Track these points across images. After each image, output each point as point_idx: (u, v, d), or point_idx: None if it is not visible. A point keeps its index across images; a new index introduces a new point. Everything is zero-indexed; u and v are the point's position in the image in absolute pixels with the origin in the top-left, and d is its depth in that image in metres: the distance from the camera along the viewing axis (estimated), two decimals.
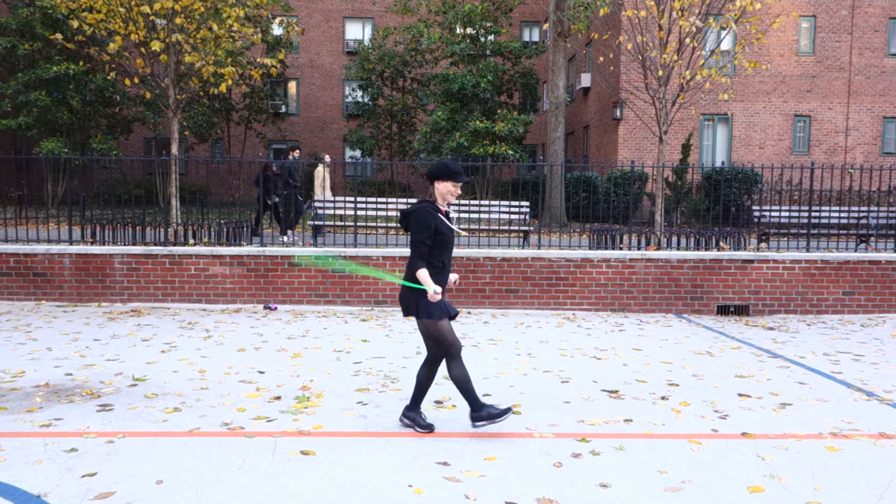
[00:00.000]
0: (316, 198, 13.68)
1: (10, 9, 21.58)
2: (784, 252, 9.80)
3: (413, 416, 4.61)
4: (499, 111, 20.73)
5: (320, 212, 11.12)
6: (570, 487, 3.72)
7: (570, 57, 25.87)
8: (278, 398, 5.28)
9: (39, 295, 9.41)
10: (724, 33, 17.27)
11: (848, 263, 9.68)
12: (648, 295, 9.61)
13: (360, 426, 4.67)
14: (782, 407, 5.27)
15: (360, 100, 27.20)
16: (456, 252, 9.41)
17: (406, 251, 9.46)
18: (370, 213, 11.05)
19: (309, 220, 13.17)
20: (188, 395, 5.33)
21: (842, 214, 11.14)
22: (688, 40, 10.74)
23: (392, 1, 28.13)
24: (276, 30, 25.85)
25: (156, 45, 10.18)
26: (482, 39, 21.06)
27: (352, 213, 10.98)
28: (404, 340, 7.49)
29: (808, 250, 9.98)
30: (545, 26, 16.52)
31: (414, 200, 10.86)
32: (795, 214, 10.98)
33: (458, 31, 21.00)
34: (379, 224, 13.48)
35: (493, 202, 11.24)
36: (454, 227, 4.50)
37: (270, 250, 9.45)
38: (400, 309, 9.40)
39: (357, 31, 29.63)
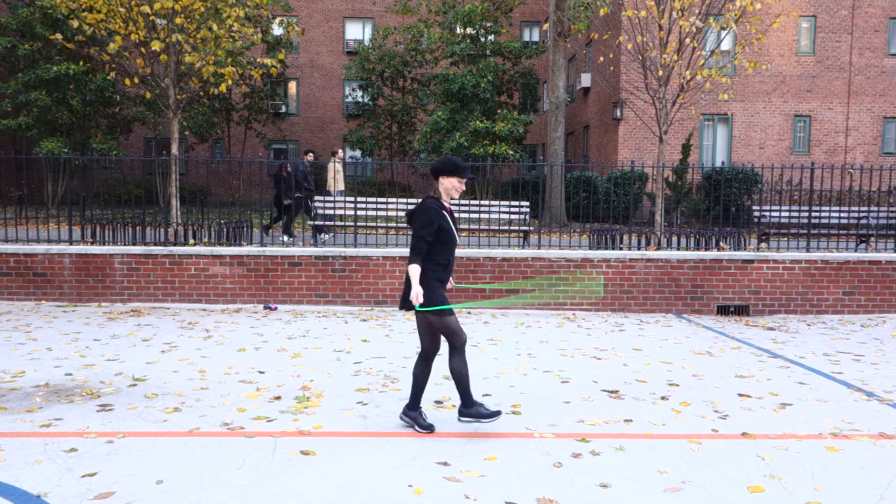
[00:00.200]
0: (328, 191, 13.78)
1: (10, 9, 21.59)
2: (784, 252, 9.80)
3: (414, 415, 4.60)
4: (499, 111, 20.73)
5: (324, 211, 11.12)
6: (570, 487, 3.72)
7: (570, 57, 25.87)
8: (278, 398, 5.28)
9: (39, 295, 9.41)
10: (724, 33, 17.27)
11: (848, 263, 9.68)
12: (648, 295, 9.61)
13: (360, 426, 4.67)
14: (782, 407, 5.27)
15: (360, 100, 27.20)
16: (456, 252, 9.42)
17: (406, 251, 9.46)
18: (370, 213, 11.05)
19: (309, 221, 13.19)
20: (188, 395, 5.33)
21: (842, 214, 11.14)
22: (688, 40, 10.74)
23: (392, 1, 28.15)
24: (276, 30, 25.87)
25: (156, 45, 10.18)
26: (482, 39, 21.06)
27: (352, 213, 10.98)
28: (404, 340, 7.49)
29: (808, 250, 9.98)
30: (545, 26, 16.52)
31: (414, 200, 10.86)
32: (795, 214, 10.98)
33: (458, 31, 21.00)
34: (379, 224, 13.49)
35: (493, 202, 11.24)
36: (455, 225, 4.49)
37: (270, 250, 9.45)
38: (399, 309, 9.40)
39: (357, 31, 29.63)
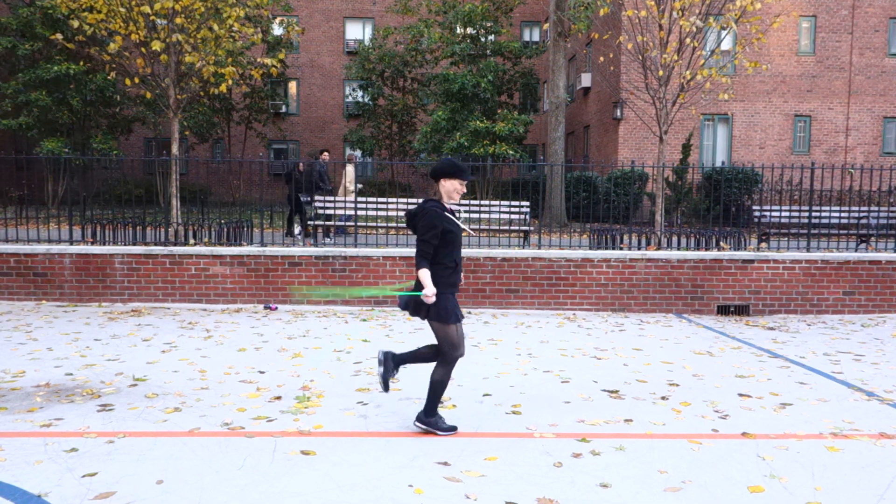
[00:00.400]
0: (340, 196, 13.82)
1: (11, 9, 21.59)
2: (784, 252, 9.80)
3: (433, 421, 4.51)
4: (499, 111, 20.72)
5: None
6: (571, 487, 3.72)
7: (571, 57, 25.87)
8: (279, 398, 5.28)
9: (40, 295, 9.41)
10: (724, 33, 17.28)
11: (848, 263, 9.68)
12: (649, 295, 9.61)
13: (360, 426, 4.67)
14: (783, 407, 5.27)
15: (360, 100, 27.20)
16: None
17: (406, 251, 9.47)
18: (370, 213, 11.05)
19: (309, 221, 13.21)
20: (188, 394, 5.33)
21: (842, 214, 11.14)
22: (688, 40, 10.74)
23: (392, 1, 28.14)
24: (277, 30, 25.87)
25: (156, 45, 10.18)
26: (482, 39, 21.06)
27: (352, 212, 10.98)
28: (405, 340, 7.49)
29: (808, 250, 9.98)
30: (545, 26, 16.52)
31: (414, 200, 10.86)
32: (796, 214, 10.98)
33: (459, 31, 21.00)
34: (379, 224, 13.49)
35: (493, 202, 11.24)
36: (462, 225, 4.47)
37: (271, 250, 9.45)
38: (399, 309, 9.40)
39: (357, 31, 29.63)
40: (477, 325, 8.51)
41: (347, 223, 11.06)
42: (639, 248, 10.01)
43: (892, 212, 11.04)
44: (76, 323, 8.10)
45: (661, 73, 10.79)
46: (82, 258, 9.38)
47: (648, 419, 4.92)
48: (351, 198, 14.67)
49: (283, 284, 9.44)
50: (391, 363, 4.60)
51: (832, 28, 20.78)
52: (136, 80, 11.22)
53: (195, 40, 10.78)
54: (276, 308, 9.34)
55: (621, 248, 10.04)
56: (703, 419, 4.94)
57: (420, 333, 7.85)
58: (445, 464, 4.02)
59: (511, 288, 9.55)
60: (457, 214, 4.53)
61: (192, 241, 10.00)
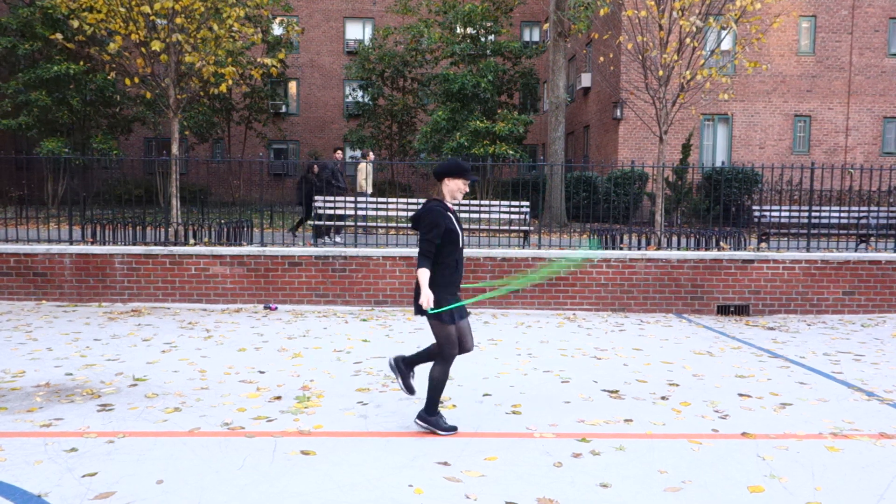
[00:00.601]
0: (359, 190, 13.86)
1: (11, 9, 21.59)
2: (784, 252, 9.80)
3: (434, 420, 4.52)
4: (499, 111, 20.72)
5: (325, 212, 11.12)
6: (571, 487, 3.72)
7: (570, 57, 25.87)
8: (279, 398, 5.28)
9: (40, 295, 9.41)
10: (724, 33, 17.27)
11: (848, 263, 9.68)
12: (649, 295, 9.61)
13: (360, 426, 4.67)
14: (782, 407, 5.27)
15: (360, 100, 27.21)
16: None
17: (407, 251, 9.47)
18: (370, 213, 11.05)
19: (310, 221, 13.21)
20: (188, 394, 5.33)
21: (842, 214, 11.14)
22: (688, 40, 10.74)
23: (392, 1, 28.14)
24: (277, 30, 25.86)
25: (156, 45, 10.18)
26: (482, 39, 21.06)
27: (352, 212, 10.97)
28: (405, 340, 7.49)
29: (808, 250, 9.98)
30: (545, 26, 16.53)
31: (415, 200, 10.86)
32: (795, 214, 10.98)
33: (459, 31, 21.01)
34: (379, 224, 13.49)
35: (493, 202, 11.24)
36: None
37: (270, 250, 9.45)
38: (400, 309, 9.40)
39: (357, 31, 29.63)
40: (477, 325, 8.51)
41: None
42: (639, 248, 10.01)
43: (892, 212, 11.04)
44: (76, 323, 8.10)
45: (661, 73, 10.79)
46: (82, 258, 9.38)
47: (648, 419, 4.92)
48: (369, 192, 14.77)
49: (283, 284, 9.44)
50: (402, 366, 4.64)
51: (832, 28, 20.78)
52: (136, 80, 11.22)
53: (195, 40, 10.78)
54: (276, 308, 9.34)
55: (621, 248, 10.05)
56: (703, 419, 4.94)
57: (420, 333, 7.85)
58: (445, 464, 4.02)
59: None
60: (457, 215, 4.53)
61: (192, 241, 10.00)
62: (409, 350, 7.03)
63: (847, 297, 9.71)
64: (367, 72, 24.80)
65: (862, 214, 11.06)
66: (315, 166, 13.66)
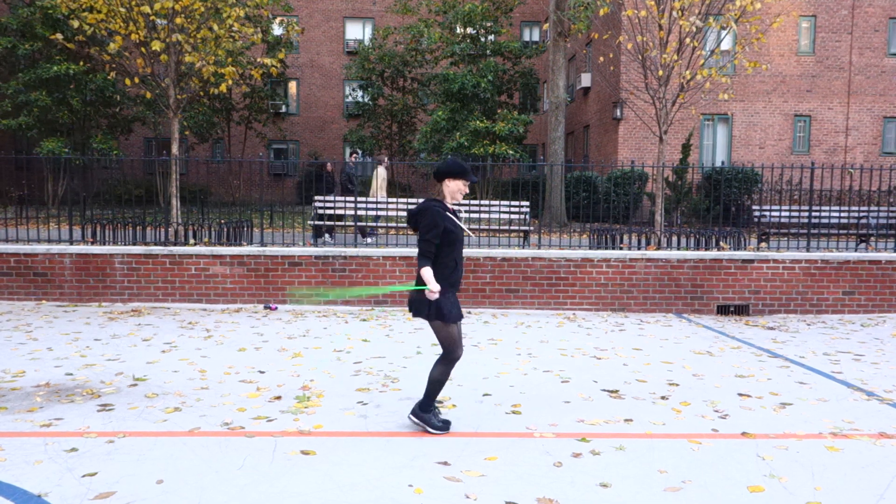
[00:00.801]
0: (372, 197, 13.91)
1: (11, 9, 21.61)
2: (784, 252, 9.80)
3: (427, 417, 4.54)
4: (499, 111, 20.72)
5: (324, 212, 11.13)
6: (571, 487, 3.73)
7: (570, 57, 25.87)
8: (279, 398, 5.28)
9: (40, 295, 9.41)
10: (724, 33, 17.28)
11: (848, 263, 9.68)
12: (648, 295, 9.61)
13: (360, 426, 4.68)
14: (782, 407, 5.27)
15: (360, 100, 27.21)
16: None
17: (406, 251, 9.47)
18: (370, 213, 11.05)
19: (309, 220, 13.22)
20: (188, 394, 5.33)
21: (842, 214, 11.14)
22: (688, 40, 10.74)
23: (392, 1, 28.14)
24: (277, 30, 25.87)
25: (156, 45, 10.19)
26: (482, 39, 21.07)
27: (351, 212, 10.97)
28: (404, 340, 7.49)
29: (808, 250, 9.98)
30: (545, 26, 16.53)
31: (414, 200, 10.86)
32: (795, 214, 10.98)
33: (459, 30, 21.01)
34: (379, 224, 13.48)
35: (493, 202, 11.24)
36: (462, 225, 4.47)
37: (270, 250, 9.45)
38: (400, 309, 9.40)
39: (357, 31, 29.64)
40: (477, 325, 8.51)
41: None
42: (639, 248, 10.01)
43: (892, 212, 11.04)
44: (76, 323, 8.11)
45: (660, 73, 10.80)
46: (82, 258, 9.38)
47: (648, 419, 4.92)
48: (383, 197, 14.74)
49: (283, 284, 9.45)
50: (425, 414, 4.53)
51: (832, 28, 20.78)
52: (136, 80, 11.22)
53: (195, 40, 10.78)
54: (276, 308, 9.34)
55: (621, 248, 10.05)
56: (702, 419, 4.94)
57: (420, 333, 7.86)
58: (445, 463, 4.02)
59: (511, 288, 9.55)
60: (458, 214, 4.53)
61: (192, 241, 10.00)
62: (408, 350, 7.03)
63: (847, 297, 9.71)
64: (366, 72, 24.81)
65: (862, 214, 11.07)
66: (328, 164, 13.69)
